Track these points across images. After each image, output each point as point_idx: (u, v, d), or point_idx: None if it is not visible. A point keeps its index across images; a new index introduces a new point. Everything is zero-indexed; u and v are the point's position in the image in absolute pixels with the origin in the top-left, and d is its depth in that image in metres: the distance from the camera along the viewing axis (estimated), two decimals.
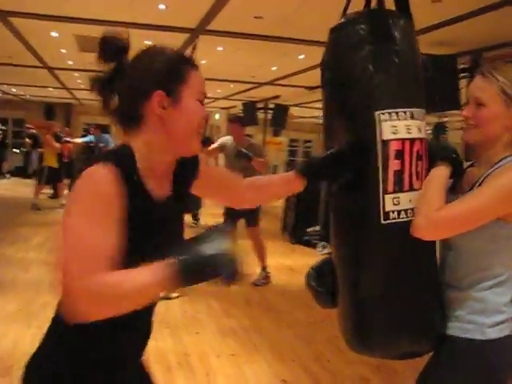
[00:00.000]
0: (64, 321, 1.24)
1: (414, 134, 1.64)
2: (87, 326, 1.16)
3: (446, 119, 11.53)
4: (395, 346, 1.73)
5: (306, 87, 10.35)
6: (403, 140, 1.61)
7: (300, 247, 8.40)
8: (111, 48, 1.38)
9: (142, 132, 1.37)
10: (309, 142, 22.25)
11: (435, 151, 1.70)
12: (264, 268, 6.08)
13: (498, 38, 5.30)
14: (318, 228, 8.62)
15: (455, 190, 1.71)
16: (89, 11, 5.51)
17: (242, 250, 1.19)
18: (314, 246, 8.29)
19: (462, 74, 5.81)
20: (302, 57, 7.15)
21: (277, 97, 12.61)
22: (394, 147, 1.60)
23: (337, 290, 1.82)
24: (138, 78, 1.36)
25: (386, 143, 1.60)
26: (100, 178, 1.23)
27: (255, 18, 5.21)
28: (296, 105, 13.41)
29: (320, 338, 4.47)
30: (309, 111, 14.94)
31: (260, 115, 13.34)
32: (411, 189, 1.62)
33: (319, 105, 11.60)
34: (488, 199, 1.54)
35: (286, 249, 8.19)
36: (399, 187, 1.61)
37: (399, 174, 1.61)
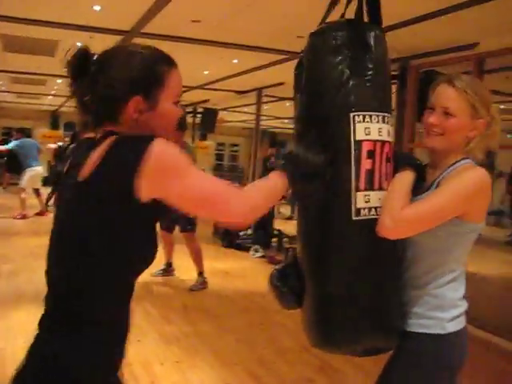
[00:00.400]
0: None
1: (385, 137, 1.71)
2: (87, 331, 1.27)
3: None
4: (358, 341, 1.77)
5: (236, 91, 10.39)
6: (375, 141, 1.68)
7: (232, 251, 8.40)
8: (77, 68, 1.35)
9: (119, 128, 1.34)
10: (236, 145, 22.36)
11: (399, 157, 1.78)
12: (201, 273, 6.04)
13: (424, 48, 5.57)
14: (249, 232, 8.66)
15: (414, 192, 1.79)
16: (18, 10, 5.27)
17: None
18: (246, 249, 8.33)
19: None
20: (235, 61, 7.19)
21: (206, 101, 12.59)
22: (366, 147, 1.66)
23: (301, 291, 1.84)
24: (114, 85, 1.32)
25: (359, 143, 1.66)
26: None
27: (193, 21, 5.18)
28: (224, 109, 13.43)
29: (260, 341, 4.50)
30: (237, 115, 14.99)
31: (188, 119, 13.26)
32: (380, 188, 1.69)
33: (247, 109, 11.59)
34: (447, 199, 1.64)
35: (218, 253, 8.16)
36: (370, 186, 1.67)
37: (370, 173, 1.67)
